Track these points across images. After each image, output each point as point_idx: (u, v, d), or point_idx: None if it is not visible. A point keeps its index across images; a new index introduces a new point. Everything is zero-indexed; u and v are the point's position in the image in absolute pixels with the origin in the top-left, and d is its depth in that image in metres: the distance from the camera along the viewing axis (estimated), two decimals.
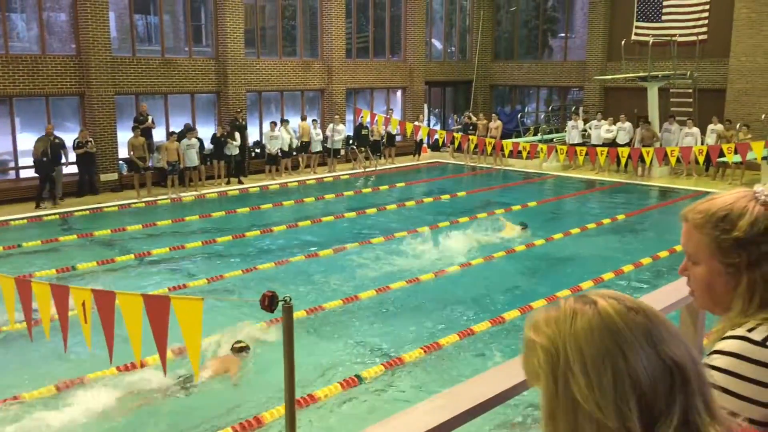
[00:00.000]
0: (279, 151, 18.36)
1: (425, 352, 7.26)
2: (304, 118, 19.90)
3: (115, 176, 16.65)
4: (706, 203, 1.47)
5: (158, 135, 17.55)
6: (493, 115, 22.19)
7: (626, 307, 0.99)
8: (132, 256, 10.87)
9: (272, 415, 5.84)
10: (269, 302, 3.16)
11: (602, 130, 19.59)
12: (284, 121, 18.88)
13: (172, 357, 6.18)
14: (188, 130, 16.75)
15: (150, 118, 17.01)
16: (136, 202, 15.19)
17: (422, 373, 6.95)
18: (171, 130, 17.39)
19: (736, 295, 1.44)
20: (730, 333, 1.42)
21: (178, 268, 10.44)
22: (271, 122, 18.62)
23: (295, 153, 18.92)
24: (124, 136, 16.66)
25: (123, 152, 16.80)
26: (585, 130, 20.39)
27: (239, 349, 7.03)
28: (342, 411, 6.21)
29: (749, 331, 1.39)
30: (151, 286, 9.15)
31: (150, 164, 16.51)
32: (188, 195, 15.97)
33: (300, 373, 6.60)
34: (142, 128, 16.46)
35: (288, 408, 3.21)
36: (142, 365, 6.16)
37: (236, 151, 17.61)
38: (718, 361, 1.40)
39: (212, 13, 18.61)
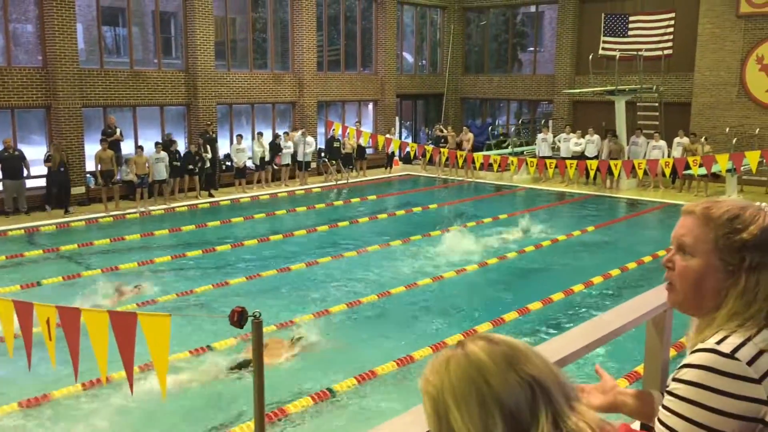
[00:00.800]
0: (252, 163, 18.29)
1: (398, 365, 7.23)
2: (295, 129, 20.06)
3: (82, 189, 16.40)
4: (717, 202, 1.50)
5: (127, 148, 17.34)
6: (465, 128, 22.36)
7: (489, 341, 1.13)
8: (99, 271, 10.69)
9: (242, 430, 5.77)
10: (239, 318, 3.12)
11: (571, 143, 19.85)
12: (259, 134, 18.84)
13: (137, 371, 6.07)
14: (169, 143, 16.60)
15: (118, 131, 16.80)
16: (104, 216, 14.96)
17: (395, 386, 6.92)
18: (139, 143, 17.19)
19: (730, 295, 1.45)
20: (700, 345, 1.43)
21: (147, 283, 10.27)
22: (238, 135, 18.53)
23: (266, 166, 18.81)
24: (92, 149, 16.44)
25: (91, 165, 16.57)
26: (554, 143, 20.64)
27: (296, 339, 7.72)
28: (313, 425, 6.15)
29: (718, 343, 1.40)
30: (119, 302, 8.99)
31: (118, 177, 16.29)
32: (157, 209, 15.78)
33: (271, 388, 6.55)
34: (110, 141, 16.25)
35: (257, 423, 3.17)
36: (108, 381, 6.03)
37: (207, 164, 17.47)
38: (689, 374, 1.41)
39: (182, 25, 18.50)
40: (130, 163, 16.08)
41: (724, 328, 1.43)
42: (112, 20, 18.09)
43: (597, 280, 10.35)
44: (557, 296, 9.43)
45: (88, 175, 16.70)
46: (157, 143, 16.63)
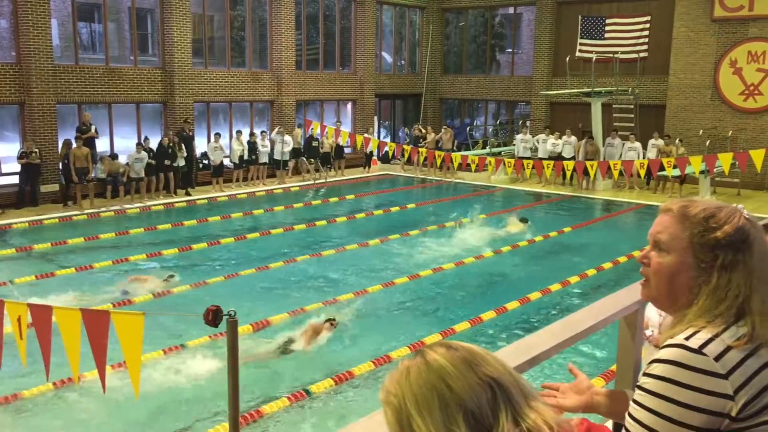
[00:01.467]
0: (229, 161, 18.21)
1: (375, 365, 7.23)
2: (300, 126, 20.21)
3: (56, 187, 16.17)
4: (694, 201, 1.53)
5: (102, 145, 17.14)
6: (444, 127, 22.42)
7: (448, 348, 1.15)
8: (73, 270, 10.55)
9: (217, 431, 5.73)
10: (213, 317, 3.10)
11: (548, 143, 20.00)
12: (238, 132, 18.75)
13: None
14: (137, 145, 16.48)
15: (93, 128, 16.60)
16: (78, 214, 14.77)
17: (373, 387, 6.91)
18: (114, 141, 17.04)
19: (701, 293, 1.48)
20: (669, 341, 1.46)
21: (123, 283, 10.15)
22: (215, 133, 18.41)
23: (244, 165, 18.70)
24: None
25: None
26: (533, 144, 20.77)
27: (330, 322, 8.12)
28: (289, 426, 6.13)
29: (686, 339, 1.42)
30: (94, 301, 8.89)
31: (93, 175, 16.09)
32: (133, 207, 15.62)
33: (247, 388, 6.52)
34: (85, 138, 16.05)
35: (232, 424, 3.15)
36: (80, 380, 5.96)
37: (182, 162, 17.34)
38: (657, 369, 1.43)
39: (159, 22, 18.33)
40: (105, 161, 15.90)
41: (694, 324, 1.46)
42: (87, 16, 17.86)
43: (573, 279, 10.44)
44: (534, 296, 9.49)
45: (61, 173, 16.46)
46: (138, 144, 16.46)
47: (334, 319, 8.22)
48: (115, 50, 18.30)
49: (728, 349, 1.40)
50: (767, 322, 1.43)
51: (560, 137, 20.02)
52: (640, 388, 1.45)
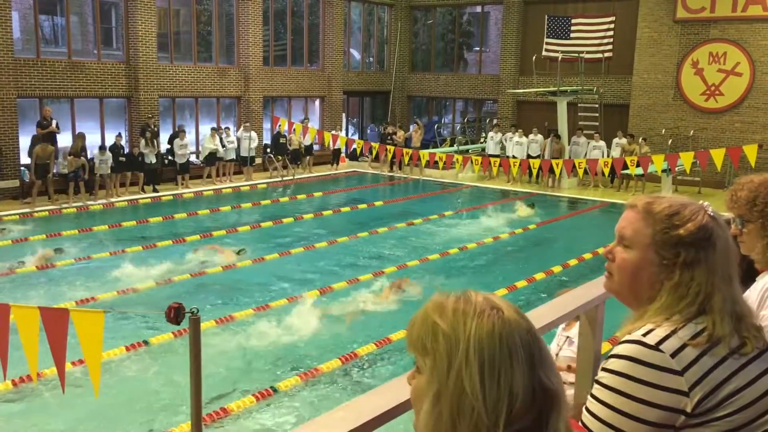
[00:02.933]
0: (196, 158, 18.04)
1: (342, 362, 7.23)
2: (306, 122, 20.47)
3: (16, 183, 15.83)
4: (660, 198, 1.55)
5: (64, 140, 16.81)
6: (416, 124, 22.47)
7: (525, 325, 1.09)
8: (34, 267, 10.34)
9: (182, 430, 5.67)
10: (175, 314, 3.07)
11: (513, 141, 20.17)
12: (213, 129, 18.57)
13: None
14: (101, 148, 16.19)
15: (54, 123, 16.27)
16: (39, 211, 14.47)
17: (340, 383, 6.91)
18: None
19: (664, 289, 1.49)
20: (627, 337, 1.48)
21: (86, 280, 9.98)
22: (181, 130, 18.17)
23: (215, 162, 18.49)
24: (26, 141, 15.92)
25: (25, 158, 16.03)
26: (501, 142, 20.92)
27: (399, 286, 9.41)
28: (255, 424, 6.09)
29: (644, 335, 1.44)
30: (56, 299, 8.72)
31: (55, 171, 15.79)
32: (96, 204, 15.35)
33: (213, 385, 6.46)
34: (45, 133, 15.74)
35: (194, 424, 3.12)
36: (39, 377, 5.85)
37: (153, 159, 17.12)
38: (615, 364, 1.45)
39: (123, 15, 18.03)
40: (66, 158, 15.60)
41: (653, 320, 1.48)
42: (49, 9, 17.49)
43: (539, 276, 10.55)
44: (501, 292, 9.57)
45: (22, 168, 16.12)
46: (101, 147, 16.13)
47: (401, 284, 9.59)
48: (78, 44, 17.96)
49: (685, 345, 1.42)
50: (726, 321, 1.46)
51: (526, 135, 20.17)
52: (598, 382, 1.47)
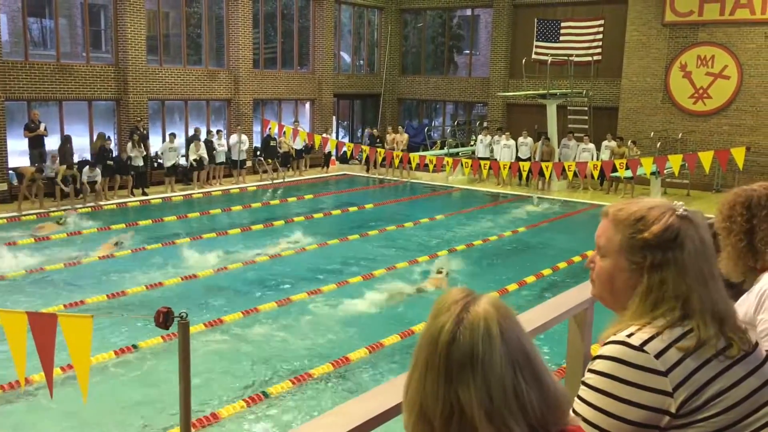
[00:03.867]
0: (186, 161, 17.98)
1: (334, 366, 7.21)
2: (296, 125, 20.59)
3: (5, 186, 15.72)
4: (628, 204, 1.55)
5: (51, 143, 16.71)
6: (399, 127, 22.51)
7: (466, 339, 1.14)
8: (23, 272, 10.27)
9: None
10: (164, 319, 3.05)
11: (502, 144, 20.22)
12: (195, 138, 18.50)
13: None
14: (91, 166, 16.11)
15: (42, 126, 16.16)
16: (27, 214, 14.38)
17: (331, 388, 6.89)
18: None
19: (635, 294, 1.50)
20: (612, 338, 1.48)
21: (75, 284, 9.93)
22: (170, 134, 18.09)
23: (203, 167, 18.42)
24: (15, 144, 15.84)
25: (13, 161, 15.94)
26: (490, 145, 20.96)
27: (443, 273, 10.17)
28: (246, 430, 6.06)
29: (629, 336, 1.45)
30: (44, 304, 8.66)
31: (43, 174, 15.68)
32: (85, 207, 15.26)
33: (202, 390, 6.43)
34: (33, 136, 15.67)
35: (184, 430, 3.11)
36: (28, 382, 5.81)
37: (141, 162, 17.04)
38: (600, 365, 1.46)
39: (112, 18, 17.96)
40: (54, 160, 15.50)
41: (637, 322, 1.49)
42: (38, 11, 17.40)
43: (530, 279, 10.57)
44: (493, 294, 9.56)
45: (11, 172, 16.02)
46: (91, 165, 15.99)
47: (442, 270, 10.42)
48: (67, 46, 17.87)
49: (669, 347, 1.43)
50: (709, 322, 1.47)
51: (511, 137, 20.18)
52: (584, 383, 1.48)
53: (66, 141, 16.43)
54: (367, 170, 21.48)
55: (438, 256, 11.44)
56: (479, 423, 1.10)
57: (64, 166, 15.51)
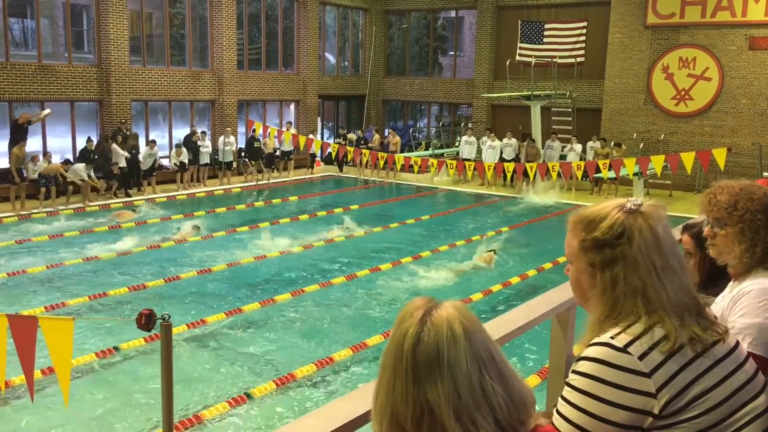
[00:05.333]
0: (169, 163, 17.92)
1: (318, 367, 7.19)
2: (288, 126, 20.85)
3: None
4: (584, 208, 1.58)
5: (34, 144, 16.55)
6: (390, 131, 22.54)
7: (431, 340, 1.17)
8: (5, 274, 10.15)
9: None
10: (146, 320, 3.03)
11: (487, 145, 20.29)
12: (203, 133, 18.47)
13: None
14: (88, 162, 16.00)
15: (45, 111, 16.07)
16: (8, 216, 14.22)
17: (315, 389, 6.88)
18: (47, 142, 16.51)
19: (593, 295, 1.52)
20: (595, 340, 1.49)
21: (58, 286, 9.84)
22: (151, 140, 17.95)
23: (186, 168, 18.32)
24: None
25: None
26: (478, 145, 21.01)
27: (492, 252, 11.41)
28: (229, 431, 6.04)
29: (612, 337, 1.46)
30: (26, 306, 8.57)
31: (24, 175, 15.54)
32: (67, 209, 15.13)
33: (187, 392, 6.40)
34: (19, 130, 15.57)
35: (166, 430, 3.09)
36: (8, 386, 5.75)
37: (123, 163, 16.91)
38: (584, 366, 1.46)
39: (94, 18, 17.82)
40: (47, 170, 15.34)
41: (606, 323, 1.50)
42: (19, 11, 17.23)
43: (514, 280, 10.60)
44: (476, 296, 9.61)
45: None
46: (87, 162, 15.92)
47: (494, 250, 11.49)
48: (49, 47, 17.72)
49: (652, 348, 1.44)
50: (671, 314, 1.47)
51: (496, 138, 20.25)
52: (568, 384, 1.49)
53: (133, 138, 17.28)
54: (341, 170, 21.59)
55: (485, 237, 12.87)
56: (447, 421, 1.12)
57: (63, 164, 15.49)
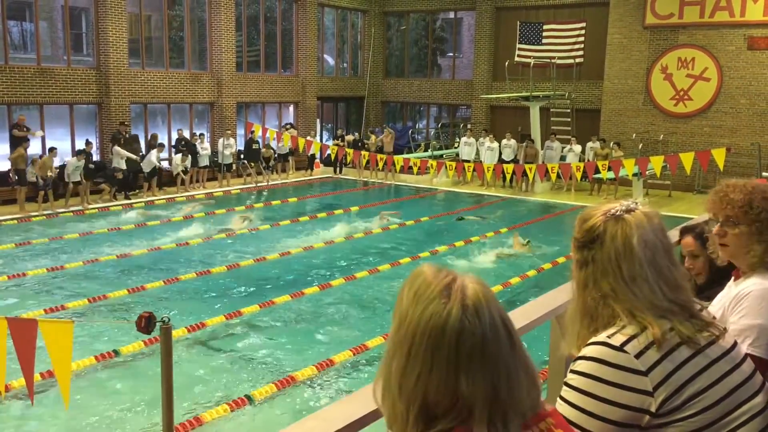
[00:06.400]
0: (181, 172, 17.99)
1: (318, 369, 7.18)
2: (287, 128, 20.90)
3: None
4: (593, 206, 1.61)
5: (34, 147, 16.55)
6: (387, 129, 22.52)
7: (470, 324, 1.09)
8: (5, 277, 10.15)
9: None
10: (146, 323, 3.03)
11: (486, 147, 20.30)
12: (201, 135, 18.44)
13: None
14: (78, 153, 15.96)
15: (26, 129, 16.03)
16: (8, 219, 14.22)
17: (316, 391, 6.87)
18: (47, 144, 16.50)
19: (574, 294, 1.55)
20: (593, 339, 1.50)
21: (57, 289, 9.83)
22: (159, 144, 17.90)
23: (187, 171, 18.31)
24: None
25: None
26: (476, 147, 21.02)
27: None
28: None
29: (609, 337, 1.47)
30: (25, 309, 8.57)
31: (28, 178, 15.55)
32: (67, 211, 15.13)
33: (186, 394, 6.39)
34: (18, 138, 15.57)
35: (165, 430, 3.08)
36: (7, 390, 5.74)
37: (123, 166, 16.91)
38: (582, 366, 1.47)
39: (93, 21, 17.83)
40: (36, 165, 15.34)
41: (616, 323, 1.50)
42: (18, 14, 17.25)
43: (515, 281, 10.60)
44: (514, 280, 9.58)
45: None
46: (80, 152, 15.95)
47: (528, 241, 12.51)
48: (48, 49, 17.73)
49: (649, 346, 1.45)
50: (664, 321, 1.48)
51: (494, 140, 20.25)
52: (566, 384, 1.49)
53: (134, 140, 17.55)
54: (336, 172, 21.58)
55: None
56: (480, 414, 1.07)
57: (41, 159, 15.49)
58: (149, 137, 18.65)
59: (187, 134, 19.35)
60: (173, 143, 18.95)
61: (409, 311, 1.08)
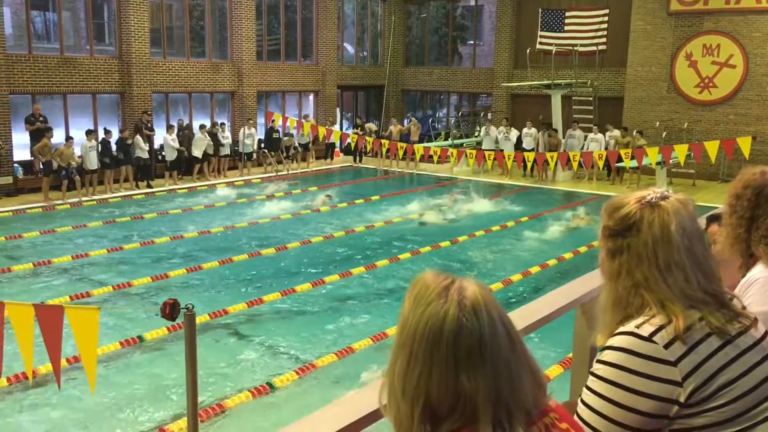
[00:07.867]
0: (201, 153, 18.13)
1: (338, 357, 7.22)
2: (305, 117, 21.18)
3: (9, 180, 15.77)
4: (620, 195, 1.59)
5: (57, 137, 16.73)
6: (413, 119, 22.50)
7: (469, 324, 1.11)
8: (30, 264, 10.30)
9: (178, 426, 5.67)
10: (170, 310, 3.06)
11: (503, 134, 20.15)
12: (202, 126, 18.44)
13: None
14: (88, 133, 16.12)
15: (42, 119, 16.20)
16: (33, 207, 14.43)
17: (336, 378, 6.91)
18: (70, 133, 16.68)
19: (609, 278, 1.53)
20: (620, 329, 1.49)
21: (82, 277, 9.97)
22: (169, 125, 18.01)
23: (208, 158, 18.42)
24: (19, 137, 15.90)
25: (18, 154, 15.99)
26: (495, 136, 20.90)
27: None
28: (252, 421, 6.09)
29: (638, 327, 1.46)
30: (52, 296, 8.70)
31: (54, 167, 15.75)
32: (90, 200, 15.30)
33: (209, 381, 6.47)
34: (34, 129, 15.73)
35: (191, 421, 3.12)
36: (35, 375, 5.85)
37: (145, 155, 17.06)
38: (609, 356, 1.46)
39: (115, 11, 17.95)
40: (56, 153, 15.53)
41: (645, 313, 1.49)
42: (41, 4, 17.41)
43: (534, 270, 10.56)
44: (496, 286, 9.58)
45: (15, 165, 16.08)
46: (89, 131, 16.14)
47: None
48: (71, 39, 17.88)
49: (677, 337, 1.43)
50: (694, 311, 1.46)
51: (512, 129, 20.11)
52: (593, 374, 1.48)
53: (185, 128, 18.29)
54: (355, 161, 21.60)
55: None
56: (484, 411, 1.09)
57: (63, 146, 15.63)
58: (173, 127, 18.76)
59: (208, 123, 19.41)
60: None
61: (409, 315, 1.12)
